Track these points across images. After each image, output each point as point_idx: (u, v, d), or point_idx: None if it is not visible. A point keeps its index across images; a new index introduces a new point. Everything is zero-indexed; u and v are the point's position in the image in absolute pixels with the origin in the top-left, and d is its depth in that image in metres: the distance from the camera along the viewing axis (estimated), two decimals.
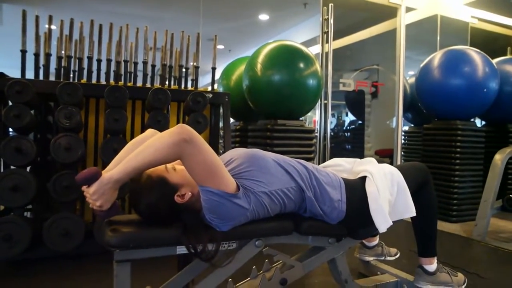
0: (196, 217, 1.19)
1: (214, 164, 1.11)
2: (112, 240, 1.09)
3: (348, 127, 5.90)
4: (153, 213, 1.16)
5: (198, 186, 1.14)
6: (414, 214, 1.45)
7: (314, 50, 3.83)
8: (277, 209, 1.31)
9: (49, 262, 2.16)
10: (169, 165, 1.19)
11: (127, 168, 1.06)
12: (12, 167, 2.11)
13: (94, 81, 2.55)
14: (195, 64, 2.86)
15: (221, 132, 2.95)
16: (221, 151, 2.96)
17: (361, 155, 4.88)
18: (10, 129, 2.28)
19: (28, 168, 2.19)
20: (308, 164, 1.41)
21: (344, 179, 1.44)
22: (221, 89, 3.75)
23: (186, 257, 1.30)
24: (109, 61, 2.58)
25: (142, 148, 1.06)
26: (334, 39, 3.97)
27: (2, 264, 2.14)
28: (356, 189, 1.41)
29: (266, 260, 1.45)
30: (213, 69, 2.92)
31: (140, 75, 2.69)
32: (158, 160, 1.06)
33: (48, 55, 2.42)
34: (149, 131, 1.34)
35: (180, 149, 1.05)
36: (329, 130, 3.99)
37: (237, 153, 1.33)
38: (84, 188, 1.07)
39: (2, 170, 2.24)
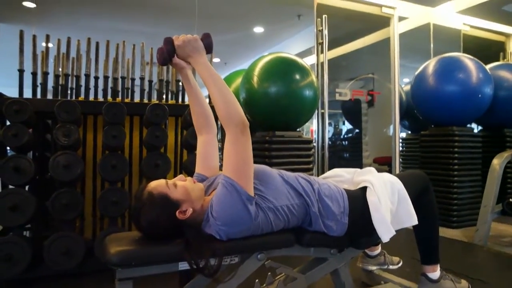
0: (198, 232, 1.19)
1: (248, 165, 1.18)
2: (114, 259, 1.08)
3: (345, 136, 5.92)
4: (155, 229, 1.16)
5: (223, 176, 1.17)
6: (416, 222, 1.46)
7: (309, 61, 3.87)
8: (281, 225, 1.31)
9: (50, 281, 2.14)
10: (170, 182, 1.19)
11: (210, 72, 1.24)
12: (10, 186, 2.11)
13: (91, 98, 2.56)
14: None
15: (219, 145, 2.95)
16: (219, 164, 2.96)
17: (359, 164, 4.88)
18: (8, 148, 2.28)
19: (26, 187, 2.18)
20: (311, 178, 1.42)
21: (346, 190, 1.45)
22: None
23: (188, 274, 1.30)
24: (106, 78, 2.59)
25: (227, 88, 1.23)
26: (329, 49, 4.01)
27: (2, 284, 2.12)
28: (358, 199, 1.42)
29: (269, 273, 1.44)
30: None
31: (137, 91, 2.70)
32: (220, 99, 1.20)
33: (45, 74, 2.43)
34: None
35: (231, 125, 1.17)
36: (326, 140, 4.00)
37: None
38: (196, 36, 1.27)
39: (0, 190, 2.23)
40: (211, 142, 1.49)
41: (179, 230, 1.17)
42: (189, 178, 1.26)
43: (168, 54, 1.30)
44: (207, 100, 2.87)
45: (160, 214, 1.14)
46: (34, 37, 2.42)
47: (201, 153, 1.49)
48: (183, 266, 1.18)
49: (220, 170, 1.44)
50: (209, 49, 1.30)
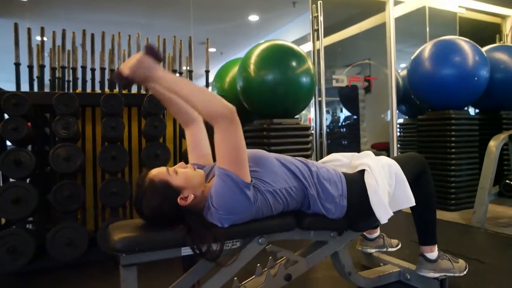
0: (199, 218, 1.21)
1: (240, 153, 1.18)
2: (118, 245, 1.10)
3: (343, 123, 5.94)
4: (157, 216, 1.18)
5: (217, 167, 1.18)
6: (414, 204, 1.48)
7: (305, 48, 3.86)
8: (280, 208, 1.33)
9: (54, 272, 2.17)
10: (171, 169, 1.21)
11: (174, 82, 1.18)
12: (11, 179, 2.12)
13: (89, 90, 2.56)
14: (188, 68, 2.87)
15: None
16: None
17: (357, 150, 4.89)
18: (8, 142, 2.29)
19: (27, 180, 2.20)
20: (309, 162, 1.44)
21: (344, 174, 1.47)
22: (215, 92, 3.77)
23: (191, 259, 1.32)
24: (103, 69, 2.59)
25: (197, 87, 1.18)
26: (325, 36, 4.01)
27: (7, 276, 2.15)
28: (356, 182, 1.44)
29: (270, 257, 1.47)
30: (207, 72, 2.94)
31: None
32: (195, 103, 1.17)
33: (42, 67, 2.43)
34: None
35: (217, 119, 1.15)
36: (324, 127, 4.02)
37: None
38: (140, 53, 1.20)
39: (1, 183, 2.24)
40: (198, 131, 1.50)
41: (181, 217, 1.19)
42: (189, 165, 1.28)
43: (125, 86, 1.27)
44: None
45: (162, 201, 1.16)
46: (29, 30, 2.41)
47: (191, 144, 1.50)
48: (186, 251, 1.20)
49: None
50: (158, 58, 1.21)
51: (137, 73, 1.19)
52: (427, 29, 5.01)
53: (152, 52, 1.19)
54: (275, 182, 1.29)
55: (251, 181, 1.22)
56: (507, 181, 3.08)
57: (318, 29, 3.94)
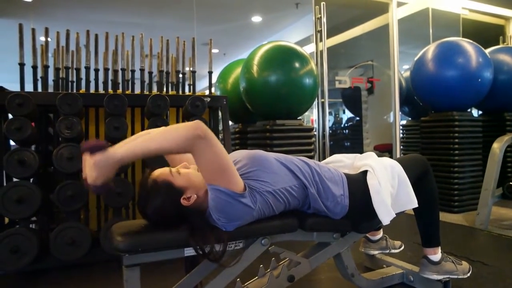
0: (202, 218, 1.21)
1: (224, 163, 1.14)
2: (121, 245, 1.10)
3: (346, 124, 5.92)
4: (160, 216, 1.18)
5: (206, 184, 1.16)
6: (416, 205, 1.47)
7: (308, 49, 3.86)
8: (282, 207, 1.33)
9: (57, 271, 2.18)
10: (173, 169, 1.21)
11: (135, 149, 1.08)
12: (15, 179, 2.13)
13: (92, 90, 2.57)
14: (191, 69, 2.88)
15: (221, 135, 2.97)
16: None
17: (360, 151, 4.86)
18: (12, 142, 2.30)
19: (31, 180, 2.20)
20: (310, 161, 1.44)
21: (346, 174, 1.47)
22: (218, 93, 3.77)
23: (194, 260, 1.32)
24: (106, 70, 2.59)
25: (155, 134, 1.09)
26: (328, 37, 4.01)
27: (10, 276, 2.15)
28: (358, 183, 1.43)
29: (273, 258, 1.47)
30: (210, 73, 2.95)
31: (137, 83, 2.72)
32: (168, 149, 1.10)
33: (46, 67, 2.44)
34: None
35: (193, 144, 1.08)
36: (327, 128, 4.02)
37: (241, 155, 1.35)
38: (85, 156, 1.06)
39: (5, 183, 2.25)
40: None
41: (184, 217, 1.19)
42: (192, 165, 1.28)
43: (109, 190, 1.14)
44: (205, 91, 2.88)
45: (164, 201, 1.16)
46: (33, 30, 2.42)
47: (171, 161, 1.42)
48: (189, 252, 1.20)
49: None
50: (103, 147, 1.06)
51: (102, 175, 1.05)
52: (430, 30, 5.00)
53: (93, 148, 1.06)
54: (275, 182, 1.29)
55: (245, 186, 1.20)
56: (510, 183, 3.07)
57: (321, 30, 3.94)
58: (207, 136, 1.09)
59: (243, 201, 1.18)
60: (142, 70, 2.70)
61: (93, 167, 1.04)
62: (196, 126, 1.08)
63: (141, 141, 1.10)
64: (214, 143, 1.11)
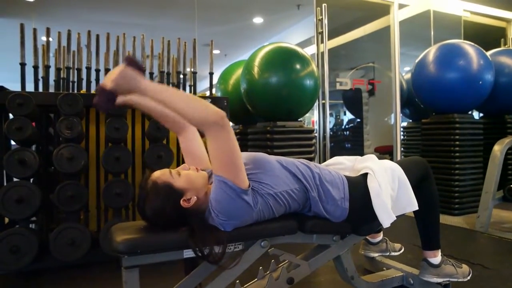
0: (202, 220, 1.21)
1: (235, 158, 1.16)
2: (120, 246, 1.10)
3: (346, 126, 5.92)
4: (160, 218, 1.18)
5: (214, 175, 1.17)
6: (417, 208, 1.47)
7: (309, 51, 3.86)
8: (282, 210, 1.33)
9: (56, 272, 2.18)
10: (173, 171, 1.21)
11: (161, 93, 1.13)
12: (15, 179, 2.13)
13: (93, 91, 2.57)
14: (192, 70, 2.88)
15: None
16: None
17: (360, 153, 4.89)
18: (12, 142, 2.30)
19: (31, 180, 2.20)
20: (311, 164, 1.43)
21: (347, 177, 1.46)
22: (219, 94, 3.77)
23: (193, 261, 1.32)
24: (107, 70, 2.59)
25: (185, 96, 1.15)
26: (329, 38, 4.01)
27: (10, 276, 2.15)
28: (359, 185, 1.43)
29: (272, 261, 1.47)
30: (211, 74, 2.95)
31: None
32: (186, 115, 1.13)
33: (47, 67, 2.44)
34: None
35: (209, 127, 1.12)
36: (328, 130, 4.02)
37: (243, 157, 1.35)
38: (121, 65, 1.14)
39: (5, 183, 2.25)
40: (190, 135, 1.47)
41: (183, 219, 1.19)
42: (192, 166, 1.28)
43: (110, 102, 1.18)
44: (206, 92, 2.88)
45: (164, 203, 1.16)
46: (35, 30, 2.42)
47: (185, 150, 1.48)
48: (188, 253, 1.20)
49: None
50: (140, 69, 1.15)
51: (121, 86, 1.13)
52: (432, 32, 5.00)
53: (133, 63, 1.14)
54: (276, 185, 1.29)
55: (249, 185, 1.21)
56: (511, 185, 3.07)
57: (322, 31, 3.94)
58: (225, 126, 1.13)
59: (245, 198, 1.18)
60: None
61: (118, 73, 1.11)
62: (221, 114, 1.12)
63: (170, 92, 1.14)
64: (230, 136, 1.14)
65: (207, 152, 1.25)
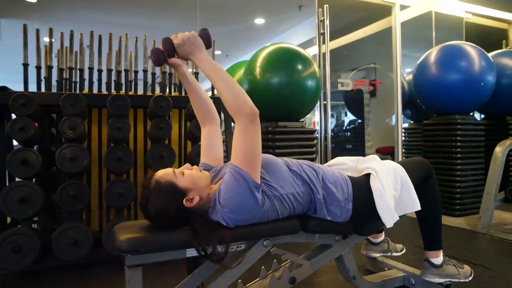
0: (205, 219, 1.21)
1: (256, 153, 1.19)
2: (124, 245, 1.10)
3: (348, 127, 5.92)
4: (163, 217, 1.18)
5: (231, 165, 1.19)
6: (419, 208, 1.48)
7: (311, 52, 3.86)
8: (286, 213, 1.34)
9: (59, 271, 2.18)
10: (177, 170, 1.21)
11: (214, 69, 1.24)
12: (18, 179, 2.13)
13: (95, 91, 2.57)
14: (194, 70, 2.88)
15: (223, 137, 2.98)
16: (224, 155, 2.98)
17: (362, 154, 4.89)
18: (15, 142, 2.30)
19: (33, 180, 2.21)
20: (315, 165, 1.44)
21: (350, 177, 1.47)
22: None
23: (196, 261, 1.32)
24: (109, 71, 2.60)
25: (231, 81, 1.21)
26: (331, 39, 4.01)
27: (12, 276, 2.16)
28: (361, 186, 1.43)
29: (275, 260, 1.47)
30: None
31: (140, 84, 2.72)
32: (226, 95, 1.20)
33: (49, 68, 2.44)
34: None
35: (239, 117, 1.18)
36: (329, 131, 4.01)
37: None
38: (194, 32, 1.28)
39: (8, 183, 2.26)
40: (214, 132, 1.51)
41: (186, 218, 1.19)
42: (195, 166, 1.28)
43: (167, 53, 1.30)
44: (208, 93, 2.89)
45: (167, 202, 1.16)
46: (37, 31, 2.43)
47: (205, 144, 1.51)
48: (191, 252, 1.20)
49: (224, 162, 1.47)
50: (208, 44, 1.29)
51: (186, 46, 1.26)
52: (433, 34, 5.00)
53: (205, 36, 1.28)
54: (282, 188, 1.29)
55: (261, 184, 1.22)
56: None
57: (324, 32, 3.95)
58: (256, 123, 1.18)
59: (256, 194, 1.19)
60: (145, 71, 2.71)
61: (189, 35, 1.26)
62: (256, 111, 1.19)
63: (221, 72, 1.23)
64: (257, 133, 1.19)
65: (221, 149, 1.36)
